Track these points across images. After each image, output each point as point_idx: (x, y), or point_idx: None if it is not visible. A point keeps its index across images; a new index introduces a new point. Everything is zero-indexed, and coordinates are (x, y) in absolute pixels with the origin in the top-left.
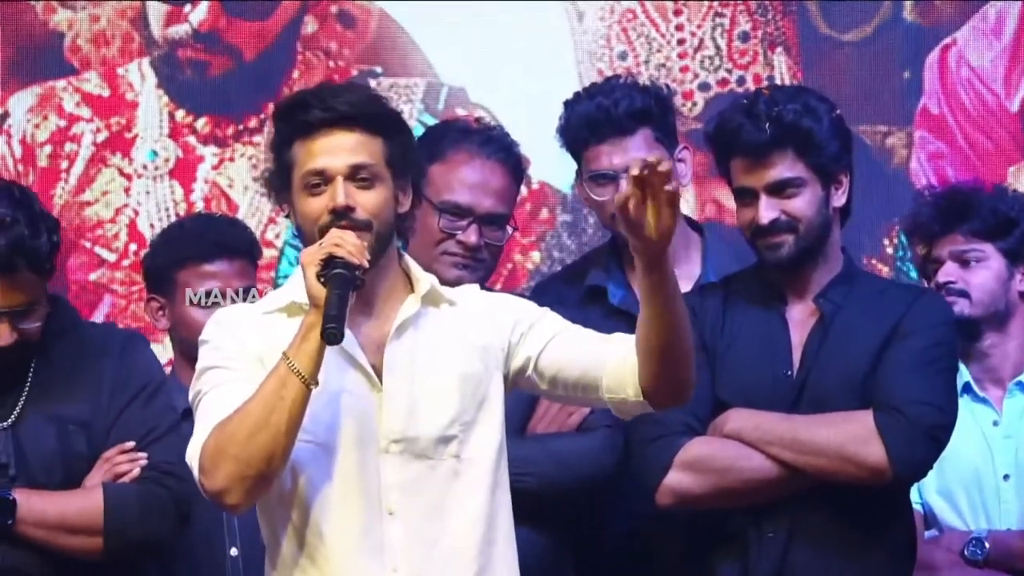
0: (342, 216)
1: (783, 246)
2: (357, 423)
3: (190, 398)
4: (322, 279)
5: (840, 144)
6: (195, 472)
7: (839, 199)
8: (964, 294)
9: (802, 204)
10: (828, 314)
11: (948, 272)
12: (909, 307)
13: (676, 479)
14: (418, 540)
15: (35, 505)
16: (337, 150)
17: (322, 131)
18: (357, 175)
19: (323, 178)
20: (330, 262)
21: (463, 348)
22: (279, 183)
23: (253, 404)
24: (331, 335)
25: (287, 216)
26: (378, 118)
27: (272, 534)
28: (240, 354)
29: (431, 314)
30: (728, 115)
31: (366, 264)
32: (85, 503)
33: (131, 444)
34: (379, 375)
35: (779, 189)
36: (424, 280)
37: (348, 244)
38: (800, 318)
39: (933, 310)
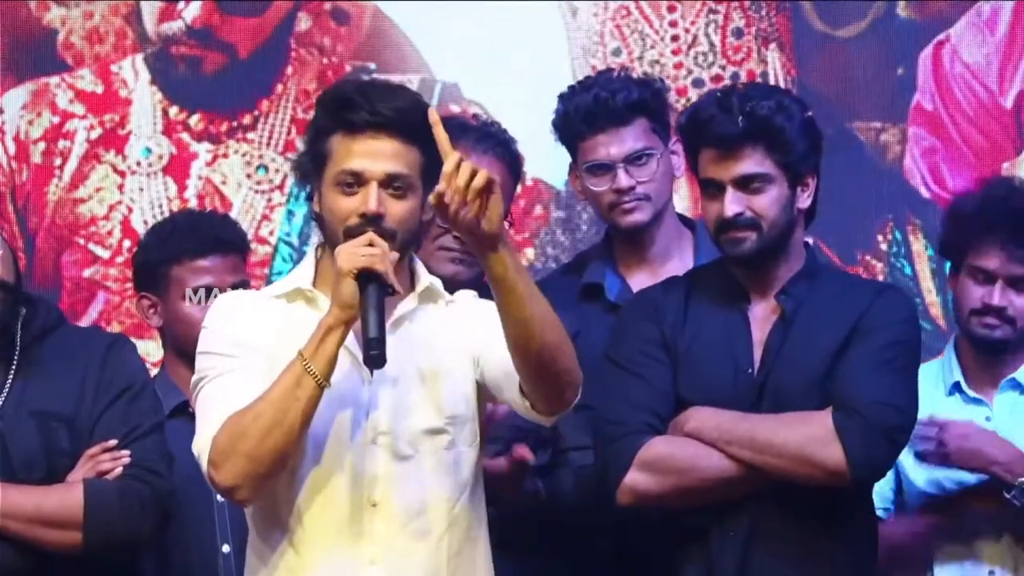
0: (371, 222)
1: (745, 242)
2: (347, 414)
3: (192, 382)
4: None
5: (809, 145)
6: (203, 464)
7: (804, 201)
8: (1011, 321)
9: (767, 201)
10: (789, 311)
11: (1004, 297)
12: (870, 304)
13: (636, 479)
14: (400, 533)
15: (13, 498)
16: (376, 155)
17: (365, 133)
18: (392, 183)
19: (358, 180)
20: (366, 273)
21: (455, 346)
22: (311, 168)
23: (267, 403)
24: (376, 359)
25: (309, 199)
26: (420, 127)
27: (257, 520)
28: (239, 340)
29: (428, 311)
30: (701, 107)
31: (399, 289)
32: (64, 497)
33: (114, 442)
34: (372, 369)
35: (746, 183)
36: (424, 278)
37: (386, 262)
38: (762, 315)
39: (894, 307)
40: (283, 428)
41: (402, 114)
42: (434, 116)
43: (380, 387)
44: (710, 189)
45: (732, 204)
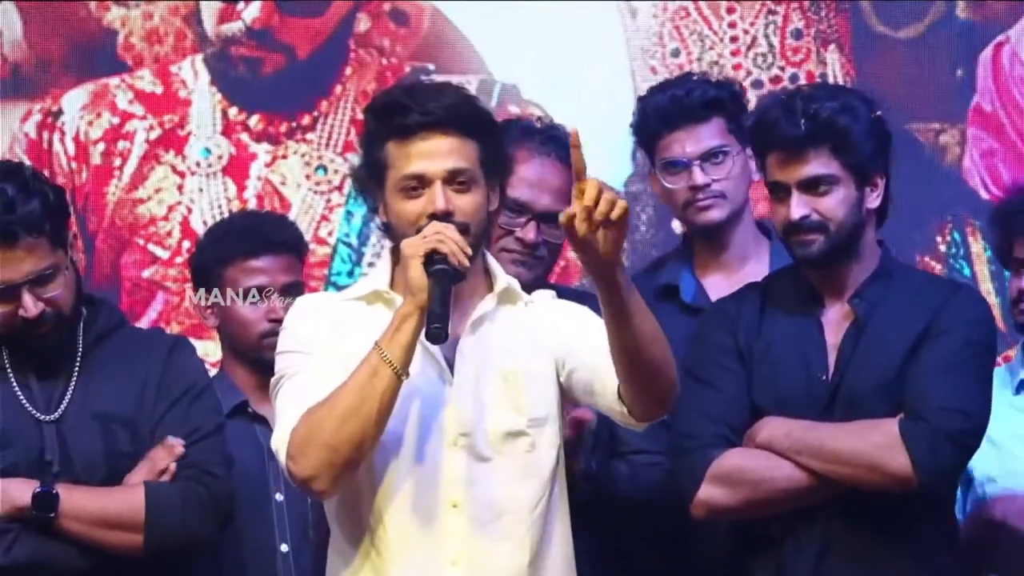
0: (442, 221)
1: (813, 244)
2: (427, 414)
3: (272, 382)
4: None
5: (876, 145)
6: (281, 458)
7: (873, 201)
8: None
9: (833, 203)
10: (863, 315)
11: None
12: (943, 305)
13: (709, 493)
14: (480, 534)
15: (77, 500)
16: (435, 154)
17: (419, 134)
18: (455, 179)
19: (421, 181)
20: (432, 257)
21: (535, 347)
22: (371, 181)
23: (344, 393)
24: (436, 334)
25: (374, 211)
26: (473, 121)
27: (337, 520)
28: (318, 339)
29: (507, 312)
30: (765, 109)
31: (467, 264)
32: (127, 500)
33: (170, 438)
34: (452, 368)
35: (812, 186)
36: (502, 279)
37: (451, 242)
38: (835, 320)
39: (967, 308)
40: (360, 417)
41: (453, 110)
42: (576, 139)
43: (461, 388)
44: (777, 192)
45: (798, 207)
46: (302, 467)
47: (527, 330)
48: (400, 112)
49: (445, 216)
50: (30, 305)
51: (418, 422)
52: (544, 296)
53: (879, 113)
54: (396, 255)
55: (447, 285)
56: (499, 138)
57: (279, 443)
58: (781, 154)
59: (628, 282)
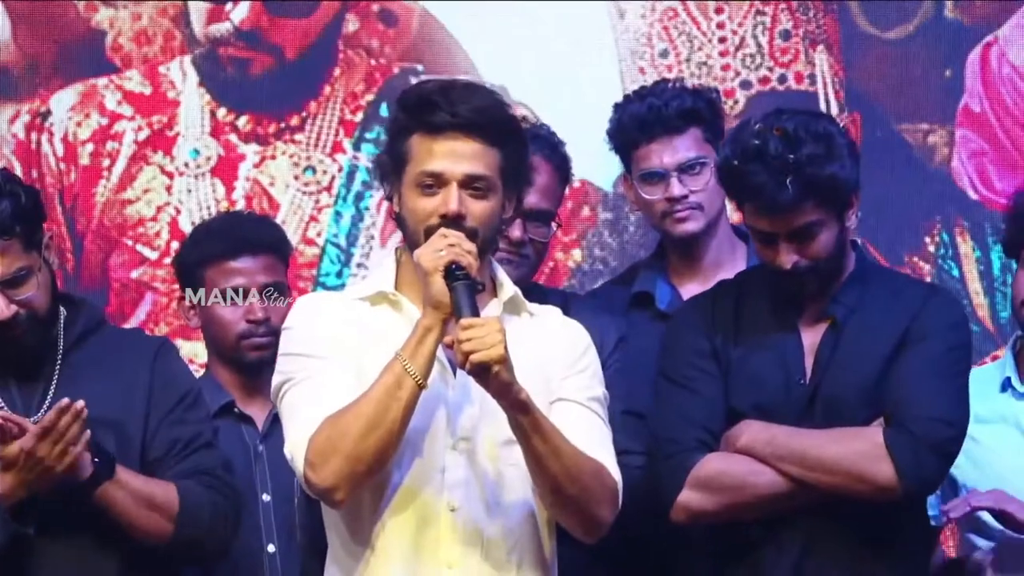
0: (452, 223)
1: (807, 285)
2: (429, 418)
3: (275, 383)
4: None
5: (855, 168)
6: (298, 466)
7: (852, 220)
8: None
9: (823, 243)
10: (840, 319)
11: None
12: (920, 309)
13: (689, 497)
14: (476, 538)
15: (123, 474)
16: (456, 156)
17: (445, 133)
18: (472, 184)
19: (438, 180)
20: (452, 270)
21: (536, 359)
22: (390, 170)
23: (367, 403)
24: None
25: (388, 199)
26: (500, 128)
27: (334, 524)
28: (324, 341)
29: (511, 321)
30: (741, 160)
31: (482, 282)
32: (164, 489)
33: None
34: (455, 372)
35: (799, 234)
36: (508, 287)
37: (468, 255)
38: (813, 323)
39: (944, 312)
40: (384, 427)
41: (482, 114)
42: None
43: (464, 393)
44: (760, 236)
45: (787, 255)
46: (323, 476)
47: (530, 342)
48: (430, 108)
49: (456, 219)
50: (2, 307)
51: (420, 425)
52: (551, 313)
53: (843, 126)
54: (402, 252)
55: (472, 299)
56: (523, 148)
57: (295, 449)
58: (767, 212)
59: (532, 411)
